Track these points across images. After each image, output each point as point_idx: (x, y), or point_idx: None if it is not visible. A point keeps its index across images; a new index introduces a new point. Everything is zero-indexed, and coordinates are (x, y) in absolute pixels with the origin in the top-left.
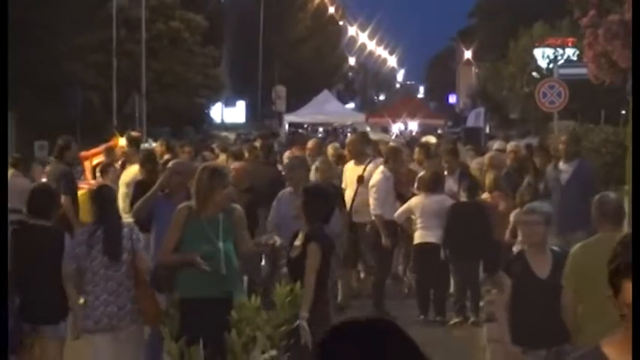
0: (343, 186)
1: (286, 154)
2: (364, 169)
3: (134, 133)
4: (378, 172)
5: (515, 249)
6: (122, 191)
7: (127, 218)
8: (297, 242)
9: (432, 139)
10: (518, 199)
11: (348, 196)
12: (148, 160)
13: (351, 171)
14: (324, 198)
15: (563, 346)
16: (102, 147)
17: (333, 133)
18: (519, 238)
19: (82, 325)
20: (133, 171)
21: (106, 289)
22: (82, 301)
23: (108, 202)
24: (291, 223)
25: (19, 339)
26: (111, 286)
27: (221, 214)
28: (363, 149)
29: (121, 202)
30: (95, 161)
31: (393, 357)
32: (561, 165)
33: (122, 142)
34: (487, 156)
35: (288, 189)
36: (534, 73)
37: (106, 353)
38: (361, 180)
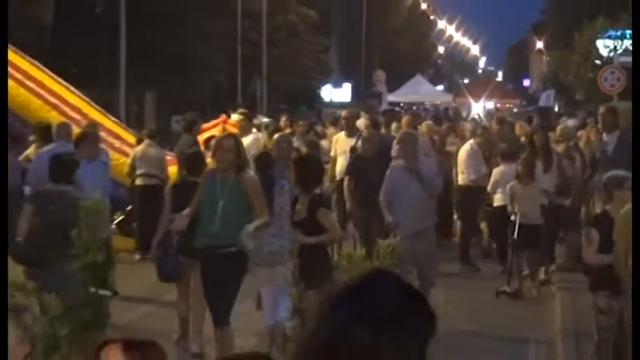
0: (332, 154)
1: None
2: (356, 141)
3: (243, 110)
4: (467, 144)
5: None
6: None
7: None
8: (299, 206)
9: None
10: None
11: (340, 163)
12: (275, 133)
13: (342, 142)
14: (312, 167)
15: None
16: (211, 123)
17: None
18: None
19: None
20: (246, 141)
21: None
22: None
23: (270, 166)
24: (404, 196)
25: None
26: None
27: (232, 178)
28: (355, 124)
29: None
30: (206, 135)
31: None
32: (605, 137)
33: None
34: (559, 128)
35: (400, 161)
36: (597, 61)
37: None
38: (354, 150)
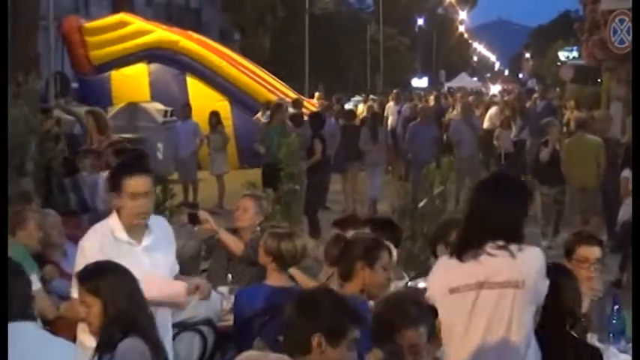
0: (385, 114)
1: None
2: (400, 107)
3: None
4: (492, 109)
5: None
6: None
7: None
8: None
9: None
10: None
11: (390, 120)
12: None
13: (391, 108)
14: (319, 118)
15: (564, 186)
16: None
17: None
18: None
19: None
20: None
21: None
22: None
23: (377, 122)
24: (462, 136)
25: None
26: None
27: (280, 126)
28: (400, 98)
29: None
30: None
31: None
32: (538, 102)
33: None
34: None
35: (459, 117)
36: (558, 63)
37: None
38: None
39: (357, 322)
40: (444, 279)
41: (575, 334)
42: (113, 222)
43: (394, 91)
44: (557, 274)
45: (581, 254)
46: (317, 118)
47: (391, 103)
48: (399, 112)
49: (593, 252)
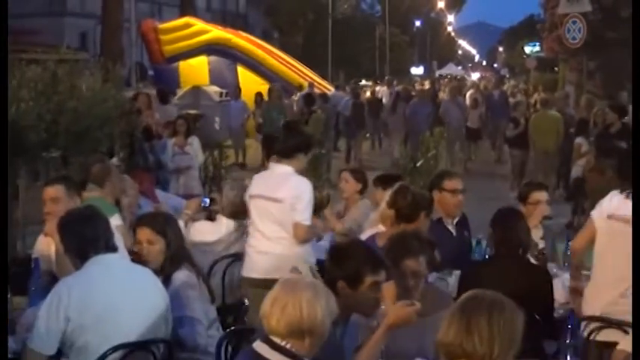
0: (379, 96)
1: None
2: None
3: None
4: (469, 92)
5: None
6: None
7: None
8: None
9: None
10: None
11: (385, 102)
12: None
13: (385, 92)
14: (310, 97)
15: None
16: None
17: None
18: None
19: None
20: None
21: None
22: None
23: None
24: (450, 113)
25: None
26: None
27: (278, 104)
28: (392, 83)
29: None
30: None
31: None
32: (494, 91)
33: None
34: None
35: (449, 97)
36: (525, 55)
37: None
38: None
39: (378, 267)
40: (608, 206)
41: (533, 261)
42: None
43: (386, 77)
44: (512, 215)
45: (533, 198)
46: (309, 97)
47: (384, 88)
48: (391, 93)
49: (543, 195)
